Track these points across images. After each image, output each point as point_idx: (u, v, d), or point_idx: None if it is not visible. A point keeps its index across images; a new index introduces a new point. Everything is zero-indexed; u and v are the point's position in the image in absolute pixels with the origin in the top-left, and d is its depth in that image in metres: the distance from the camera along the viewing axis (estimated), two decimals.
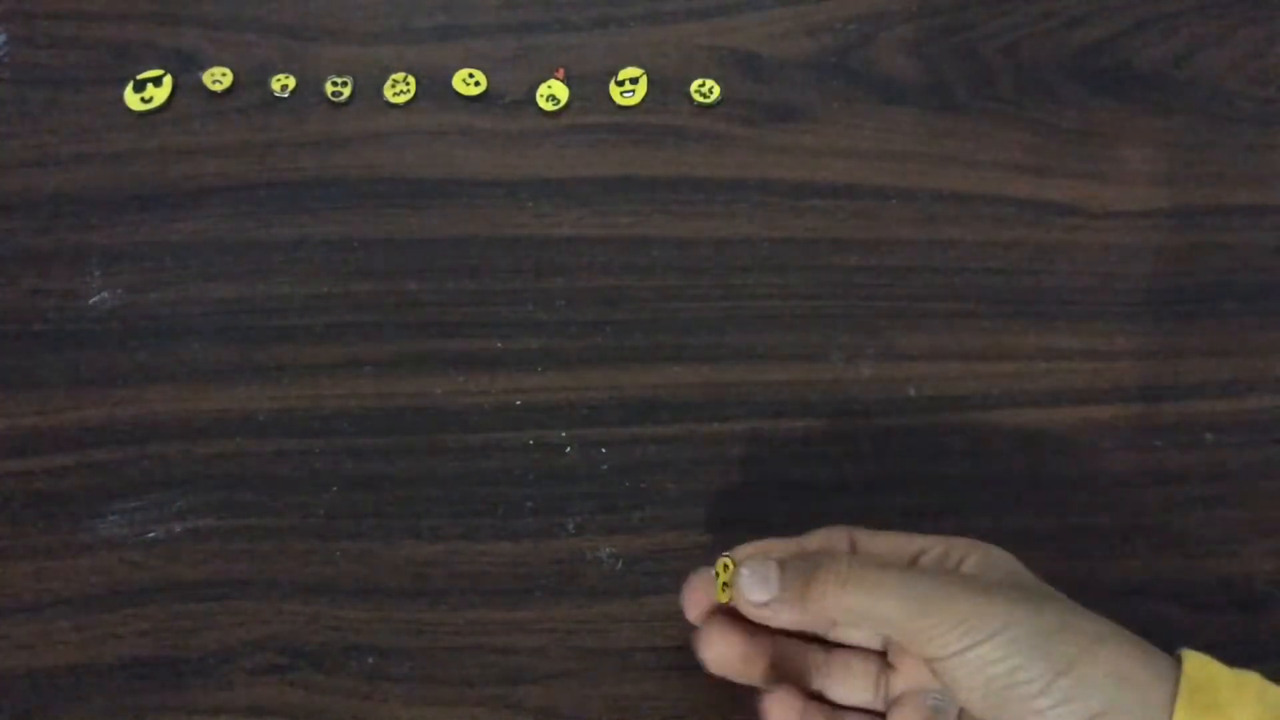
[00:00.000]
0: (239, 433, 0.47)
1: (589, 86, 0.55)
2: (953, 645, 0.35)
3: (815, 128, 0.54)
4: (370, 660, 0.43)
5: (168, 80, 0.54)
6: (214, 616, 0.43)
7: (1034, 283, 0.51)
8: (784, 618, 0.37)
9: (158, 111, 0.54)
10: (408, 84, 0.54)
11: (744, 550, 0.40)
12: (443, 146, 0.53)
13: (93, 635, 0.43)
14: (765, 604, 0.37)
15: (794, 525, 0.45)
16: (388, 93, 0.54)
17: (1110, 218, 0.52)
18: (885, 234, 0.52)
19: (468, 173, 0.52)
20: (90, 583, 0.44)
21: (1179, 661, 0.35)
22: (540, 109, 0.54)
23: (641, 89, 0.54)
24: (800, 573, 0.37)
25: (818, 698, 0.40)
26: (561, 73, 0.55)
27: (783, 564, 0.37)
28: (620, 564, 0.45)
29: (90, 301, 0.49)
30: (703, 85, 0.54)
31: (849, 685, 0.40)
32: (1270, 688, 0.35)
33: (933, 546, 0.39)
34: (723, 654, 0.39)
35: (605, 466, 0.46)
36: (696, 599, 0.40)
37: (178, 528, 0.45)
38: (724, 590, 0.38)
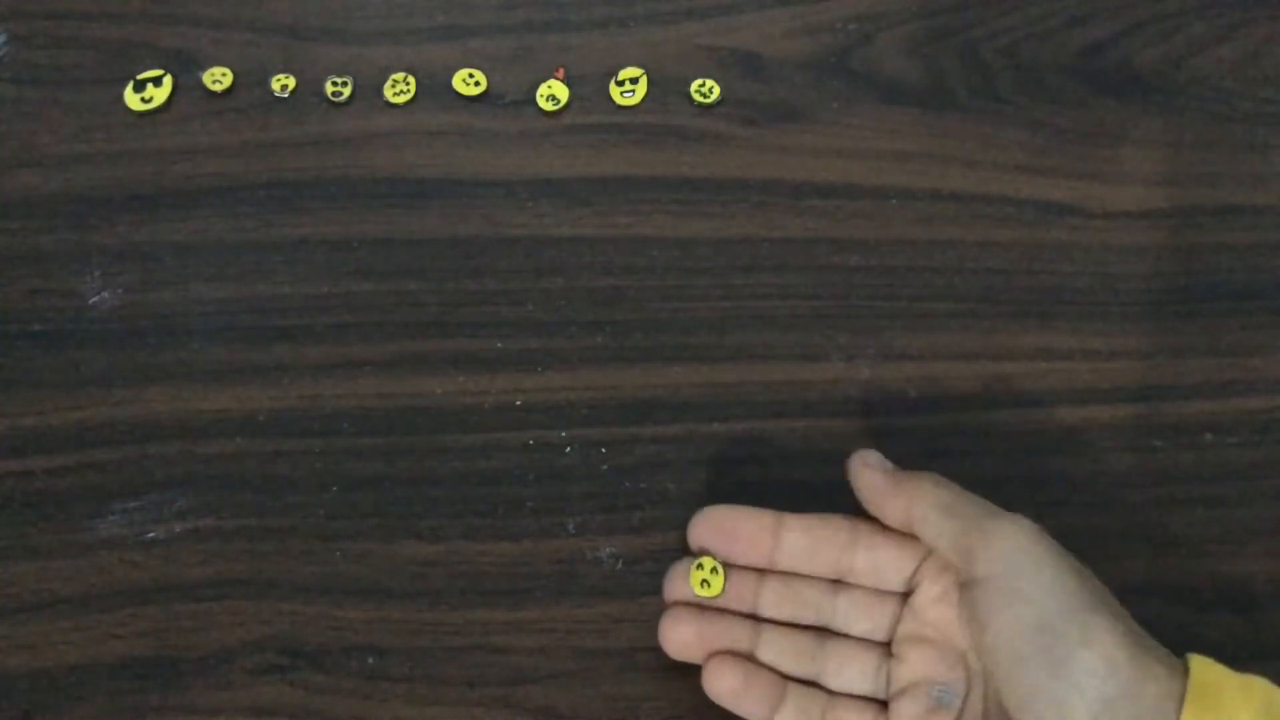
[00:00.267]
0: (239, 433, 0.47)
1: (589, 86, 0.55)
2: (1000, 561, 0.36)
3: (815, 128, 0.54)
4: (370, 660, 0.43)
5: (168, 80, 0.54)
6: (214, 616, 0.43)
7: (1034, 283, 0.51)
8: (878, 481, 0.40)
9: (158, 111, 0.54)
10: (408, 84, 0.54)
11: (719, 513, 0.41)
12: (443, 146, 0.53)
13: (93, 635, 0.43)
14: (870, 465, 0.40)
15: None
16: (388, 93, 0.54)
17: (1110, 218, 0.52)
18: (885, 234, 0.52)
19: (468, 173, 0.52)
20: (90, 583, 0.44)
21: (1185, 666, 0.35)
22: (540, 109, 0.54)
23: (641, 89, 0.54)
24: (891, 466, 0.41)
25: (811, 684, 0.41)
26: (561, 73, 0.55)
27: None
28: (620, 564, 0.45)
29: (90, 301, 0.49)
30: (703, 85, 0.54)
31: (846, 674, 0.40)
32: (1275, 691, 0.35)
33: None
34: (687, 638, 0.40)
35: (605, 466, 0.46)
36: (677, 588, 0.41)
37: (178, 528, 0.45)
38: (700, 585, 0.40)
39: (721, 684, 0.40)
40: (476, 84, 0.54)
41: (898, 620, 0.40)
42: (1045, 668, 0.35)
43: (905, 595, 0.41)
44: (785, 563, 0.41)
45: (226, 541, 0.45)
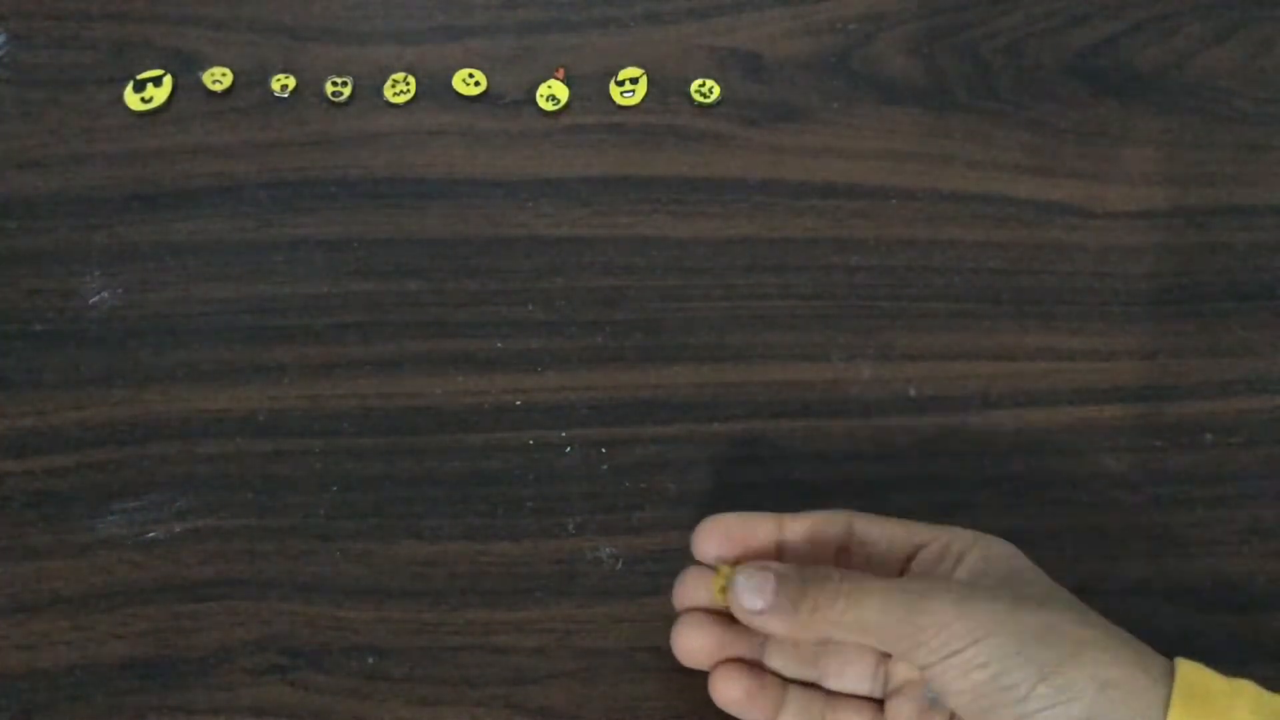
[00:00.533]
0: (239, 433, 0.47)
1: (589, 86, 0.55)
2: (937, 652, 0.35)
3: (815, 128, 0.54)
4: (370, 660, 0.43)
5: (168, 80, 0.54)
6: (214, 616, 0.43)
7: (1034, 283, 0.51)
8: (776, 626, 0.37)
9: (158, 111, 0.54)
10: (408, 84, 0.54)
11: (726, 520, 0.40)
12: (443, 146, 0.53)
13: (93, 635, 0.43)
14: (760, 613, 0.37)
15: None
16: (388, 93, 0.54)
17: (1110, 218, 0.52)
18: (885, 234, 0.52)
19: (468, 173, 0.52)
20: (90, 583, 0.44)
21: (1172, 668, 0.35)
22: (540, 109, 0.54)
23: (641, 89, 0.54)
24: (794, 583, 0.37)
25: (813, 687, 0.41)
26: (561, 73, 0.55)
27: (780, 576, 0.37)
28: (620, 564, 0.45)
29: (90, 301, 0.49)
30: (703, 85, 0.54)
31: (845, 676, 0.40)
32: (1265, 695, 0.35)
33: (932, 540, 0.39)
34: (700, 647, 0.40)
35: (605, 466, 0.46)
36: (688, 594, 0.40)
37: (178, 528, 0.45)
38: (721, 593, 0.39)
39: (731, 692, 0.40)
40: (476, 84, 0.54)
41: None
42: (1011, 708, 0.35)
43: None
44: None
45: (226, 541, 0.45)
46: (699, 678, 0.41)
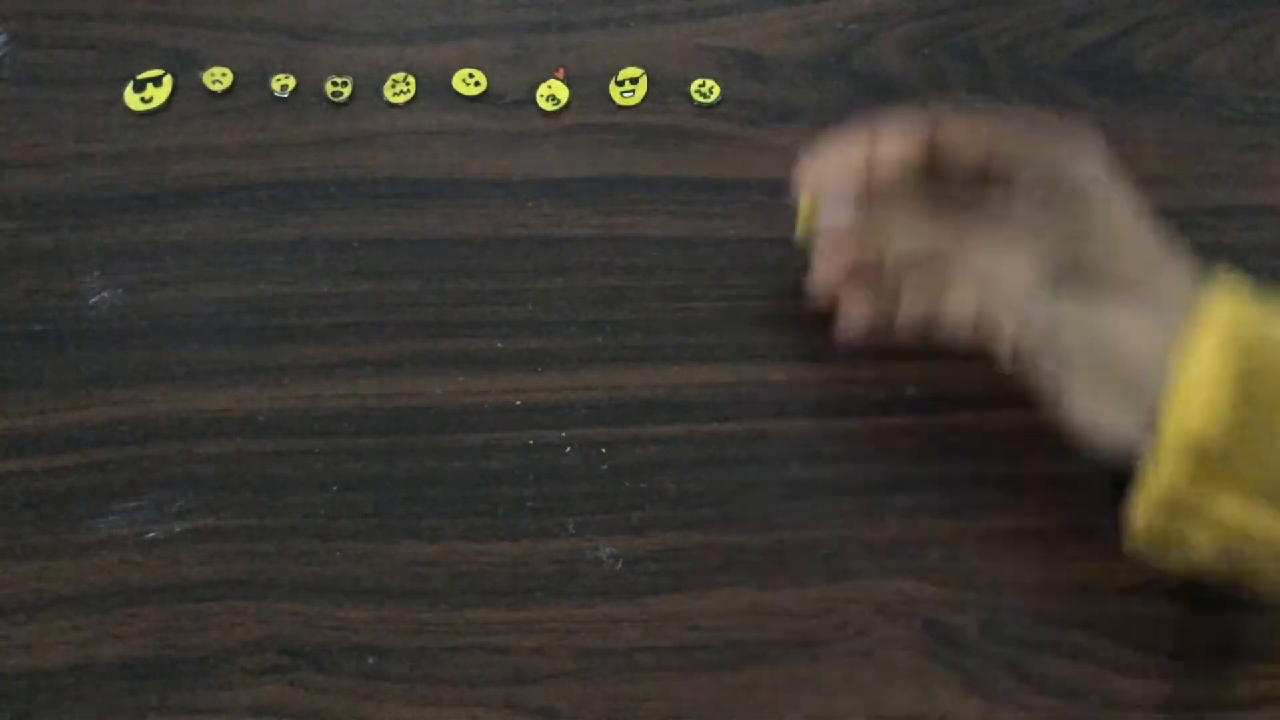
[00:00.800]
0: (239, 433, 0.47)
1: (589, 86, 0.55)
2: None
3: (815, 127, 0.54)
4: (370, 660, 0.43)
5: (168, 80, 0.54)
6: (214, 616, 0.43)
7: None
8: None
9: (158, 111, 0.54)
10: (408, 84, 0.54)
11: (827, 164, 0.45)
12: (443, 146, 0.53)
13: (93, 635, 0.43)
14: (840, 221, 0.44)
15: (794, 525, 0.45)
16: (388, 93, 0.54)
17: None
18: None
19: (468, 173, 0.52)
20: (90, 583, 0.44)
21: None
22: (540, 109, 0.54)
23: (641, 89, 0.54)
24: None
25: None
26: (561, 73, 0.55)
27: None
28: (620, 564, 0.45)
29: (90, 301, 0.49)
30: (703, 85, 0.54)
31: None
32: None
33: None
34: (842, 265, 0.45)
35: (605, 466, 0.46)
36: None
37: (178, 528, 0.45)
38: (805, 225, 0.46)
39: (859, 312, 0.45)
40: (476, 84, 0.54)
41: None
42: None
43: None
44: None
45: (226, 541, 0.45)
46: (699, 678, 0.41)
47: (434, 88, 0.54)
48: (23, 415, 0.47)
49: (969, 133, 0.43)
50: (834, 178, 0.45)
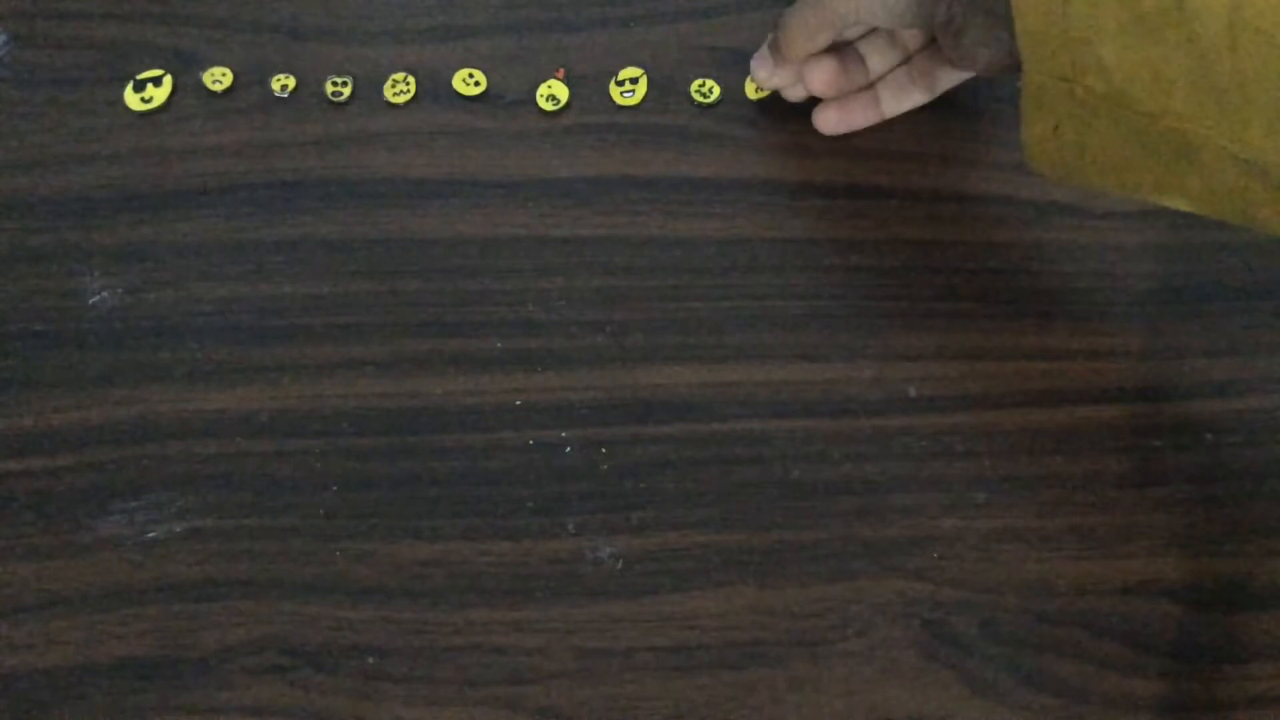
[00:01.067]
0: (239, 433, 0.47)
1: (589, 86, 0.55)
2: None
3: (815, 128, 0.54)
4: (370, 660, 0.43)
5: (168, 80, 0.54)
6: (214, 616, 0.43)
7: (1034, 283, 0.51)
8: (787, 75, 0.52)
9: (158, 111, 0.54)
10: (407, 84, 0.54)
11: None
12: (443, 146, 0.53)
13: (92, 635, 0.43)
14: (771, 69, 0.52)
15: (794, 525, 0.45)
16: (387, 93, 0.54)
17: (1110, 218, 0.52)
18: (885, 234, 0.52)
19: (468, 173, 0.52)
20: (90, 583, 0.44)
21: None
22: (540, 109, 0.54)
23: (642, 89, 0.54)
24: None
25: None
26: (561, 73, 0.55)
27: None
28: (620, 564, 0.45)
29: (90, 301, 0.49)
30: (703, 85, 0.54)
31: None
32: None
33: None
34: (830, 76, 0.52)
35: (605, 466, 0.46)
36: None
37: (178, 528, 0.45)
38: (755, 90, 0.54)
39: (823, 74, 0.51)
40: (476, 84, 0.54)
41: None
42: None
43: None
44: None
45: (226, 541, 0.45)
46: (699, 678, 0.41)
47: (434, 88, 0.54)
48: (22, 415, 0.47)
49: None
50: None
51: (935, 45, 0.51)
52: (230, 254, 0.50)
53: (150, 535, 0.45)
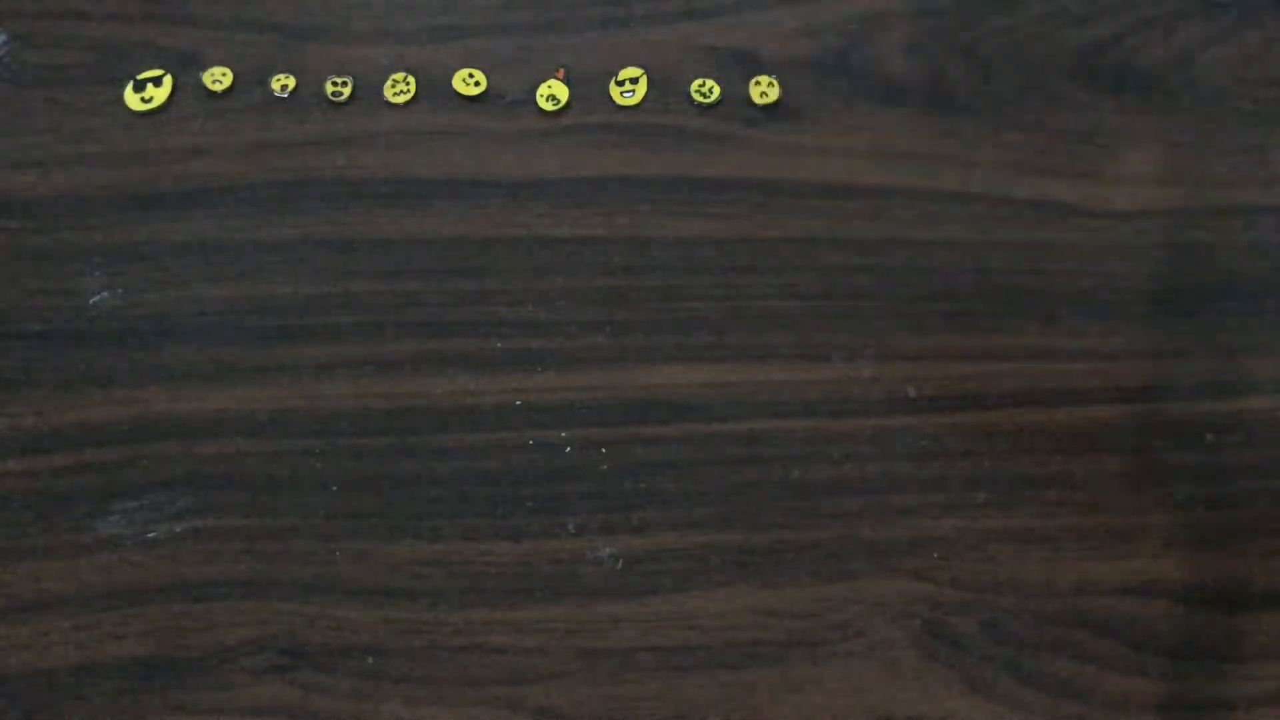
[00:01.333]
0: (239, 433, 0.47)
1: (589, 86, 0.55)
2: None
3: (815, 128, 0.54)
4: (370, 660, 0.43)
5: (168, 80, 0.54)
6: (214, 616, 0.43)
7: (1034, 283, 0.51)
8: None
9: (158, 111, 0.54)
10: (407, 84, 0.54)
11: None
12: (442, 146, 0.53)
13: (92, 635, 0.43)
14: None
15: (794, 525, 0.45)
16: (387, 93, 0.54)
17: (1110, 218, 0.52)
18: (885, 234, 0.52)
19: (468, 173, 0.52)
20: (90, 583, 0.44)
21: None
22: (540, 109, 0.54)
23: (642, 89, 0.54)
24: None
25: None
26: (562, 73, 0.55)
27: None
28: (620, 564, 0.45)
29: (90, 301, 0.49)
30: (703, 85, 0.54)
31: None
32: None
33: None
34: None
35: (605, 466, 0.46)
36: None
37: (178, 528, 0.45)
38: None
39: None
40: (476, 84, 0.54)
41: None
42: None
43: None
44: None
45: (226, 541, 0.45)
46: (700, 678, 0.41)
47: (434, 88, 0.54)
48: (22, 415, 0.47)
49: None
50: None
51: None
52: (230, 254, 0.50)
53: (150, 535, 0.45)
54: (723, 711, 0.42)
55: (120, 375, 0.48)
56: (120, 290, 0.50)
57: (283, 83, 0.54)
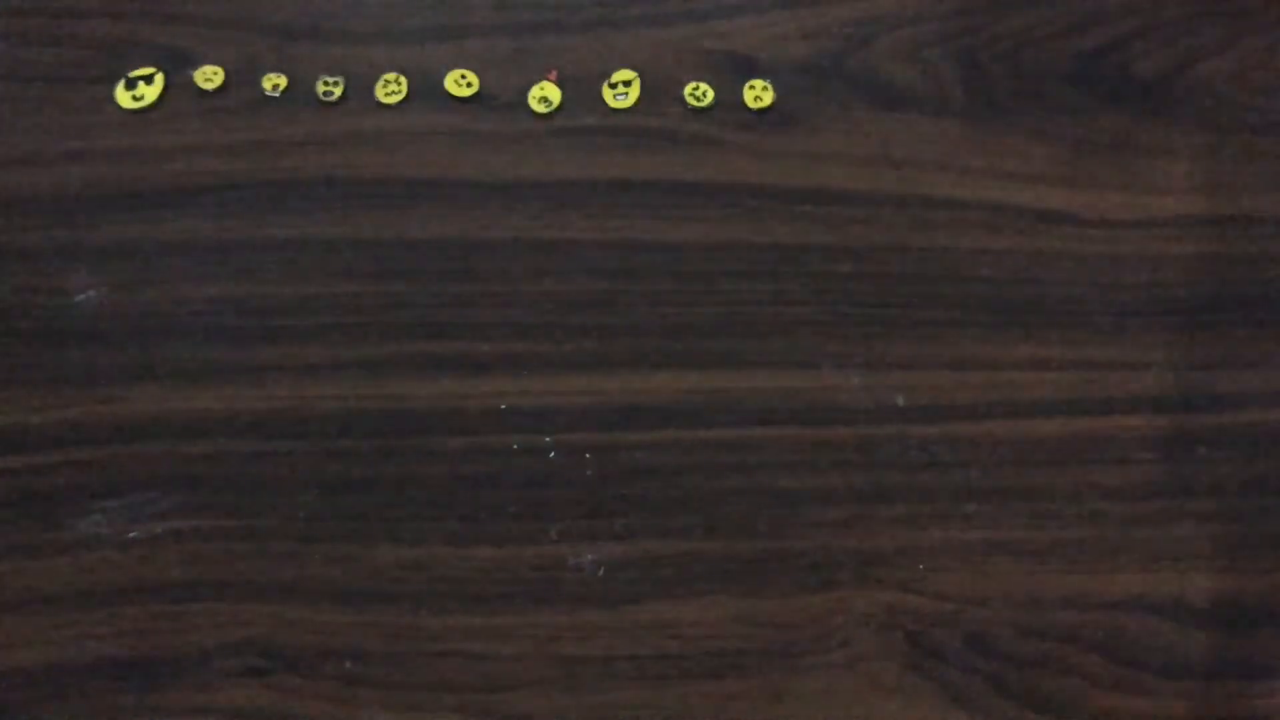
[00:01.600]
0: (222, 433, 0.47)
1: (582, 89, 0.54)
2: None
3: (810, 132, 0.53)
4: (348, 664, 0.43)
5: (159, 78, 0.54)
6: (192, 618, 0.43)
7: (1026, 292, 0.50)
8: None
9: (149, 110, 0.53)
10: (399, 84, 0.54)
11: None
12: (434, 148, 0.53)
13: (70, 635, 0.43)
14: None
15: (779, 535, 0.45)
16: (379, 93, 0.54)
17: (1106, 227, 0.52)
18: (878, 241, 0.51)
19: (458, 174, 0.52)
20: (69, 582, 0.44)
21: None
22: (532, 111, 0.54)
23: (634, 92, 0.54)
24: None
25: None
26: (554, 74, 0.55)
27: None
28: (602, 571, 0.44)
29: (77, 299, 0.49)
30: (696, 89, 0.54)
31: None
32: None
33: None
34: None
35: (589, 472, 0.46)
36: None
37: (158, 528, 0.45)
38: None
39: None
40: (468, 85, 0.54)
41: None
42: None
43: None
44: None
45: (207, 542, 0.45)
46: (679, 687, 0.40)
47: (426, 88, 0.54)
48: (5, 413, 0.47)
49: None
50: None
51: None
52: (218, 253, 0.50)
53: (130, 535, 0.45)
54: None
55: (104, 374, 0.48)
56: (106, 288, 0.49)
57: (274, 82, 0.54)
